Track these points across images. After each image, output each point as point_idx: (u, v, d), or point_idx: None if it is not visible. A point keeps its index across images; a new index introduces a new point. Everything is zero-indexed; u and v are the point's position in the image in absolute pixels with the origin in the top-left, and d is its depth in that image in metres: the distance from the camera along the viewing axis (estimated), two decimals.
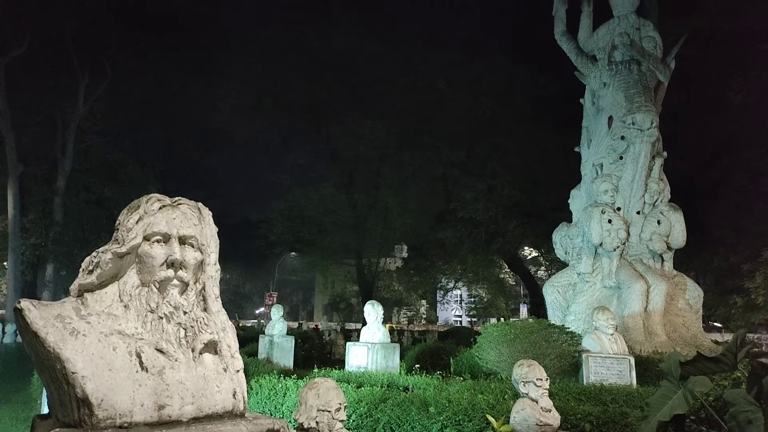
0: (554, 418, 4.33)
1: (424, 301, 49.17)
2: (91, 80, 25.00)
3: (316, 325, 32.71)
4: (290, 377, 7.33)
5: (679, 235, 12.72)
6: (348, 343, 10.84)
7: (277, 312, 13.39)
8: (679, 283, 12.49)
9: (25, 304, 1.59)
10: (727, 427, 3.49)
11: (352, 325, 35.36)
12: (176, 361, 1.67)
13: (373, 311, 10.16)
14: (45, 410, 7.63)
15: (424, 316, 50.68)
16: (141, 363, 1.61)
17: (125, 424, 1.52)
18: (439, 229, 26.07)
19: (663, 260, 12.93)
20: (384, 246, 30.09)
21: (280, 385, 6.64)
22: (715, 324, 28.12)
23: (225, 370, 1.77)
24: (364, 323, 10.52)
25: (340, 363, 11.08)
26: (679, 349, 10.18)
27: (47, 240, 25.34)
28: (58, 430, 1.50)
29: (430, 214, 26.74)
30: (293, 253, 38.32)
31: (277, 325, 12.99)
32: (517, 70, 22.14)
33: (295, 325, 31.14)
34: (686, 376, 3.90)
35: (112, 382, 1.54)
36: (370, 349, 9.56)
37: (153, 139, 27.63)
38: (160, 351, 1.66)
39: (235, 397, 1.76)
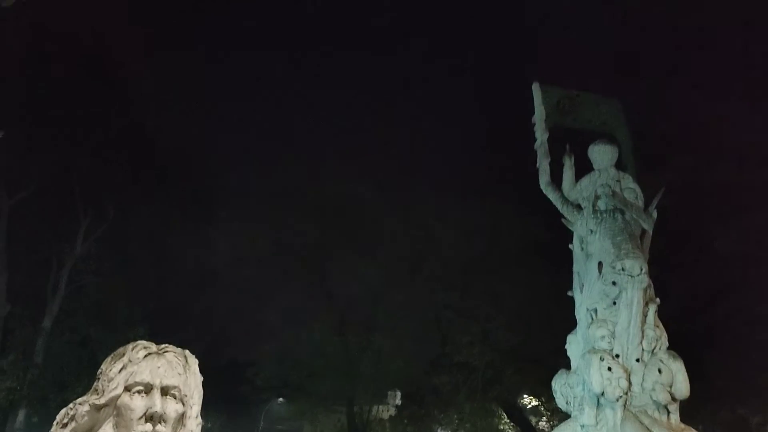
0: None
1: None
2: (92, 221, 25.63)
3: None
4: None
5: (681, 386, 12.26)
6: None
7: None
8: None
9: None
10: None
11: None
12: None
13: None
14: None
15: None
16: None
17: None
18: (433, 374, 25.20)
19: (669, 412, 12.34)
20: (377, 392, 28.83)
21: None
22: None
23: None
24: None
25: None
26: None
27: (23, 383, 24.14)
28: None
29: (424, 358, 26.02)
30: (280, 399, 36.47)
31: None
32: (507, 211, 22.96)
33: None
34: None
35: None
36: None
37: (146, 279, 27.65)
38: None
39: None
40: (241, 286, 26.63)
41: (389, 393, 35.01)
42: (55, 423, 1.66)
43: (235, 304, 26.24)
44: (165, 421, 1.70)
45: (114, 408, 1.68)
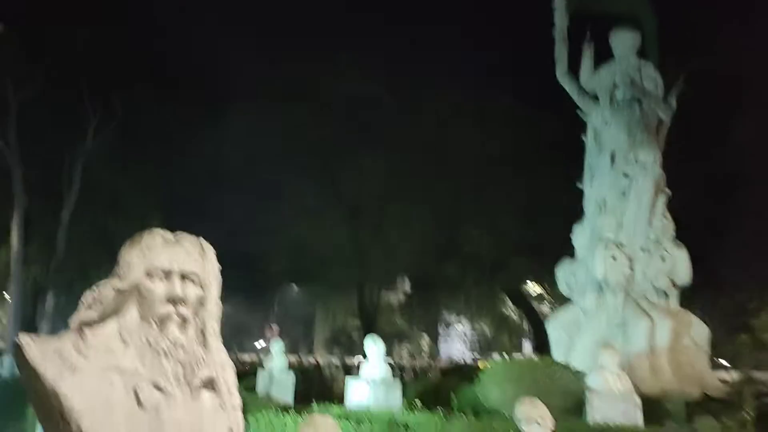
0: None
1: (426, 335, 48.60)
2: (101, 116, 25.42)
3: (317, 360, 32.30)
4: (289, 413, 7.22)
5: (683, 273, 12.67)
6: (348, 378, 10.70)
7: (276, 346, 13.26)
8: (684, 320, 12.36)
9: (24, 339, 1.59)
10: None
11: (352, 360, 34.89)
12: (173, 398, 1.65)
13: (374, 346, 10.06)
14: None
15: (426, 351, 50.01)
16: (138, 400, 1.60)
17: None
18: (442, 262, 25.97)
19: (668, 297, 12.84)
20: (386, 279, 29.94)
21: (278, 421, 6.54)
22: (721, 362, 27.66)
23: (222, 408, 1.75)
24: (365, 357, 10.41)
25: (341, 398, 10.90)
26: (685, 387, 10.01)
27: (48, 271, 25.36)
28: None
29: (433, 248, 26.66)
30: (294, 285, 38.07)
31: (276, 360, 12.84)
32: (521, 106, 22.46)
33: (294, 359, 30.76)
34: (692, 417, 3.83)
35: (109, 419, 1.53)
36: (371, 385, 9.42)
37: (158, 173, 27.88)
38: (158, 388, 1.64)
39: None
40: (252, 183, 26.81)
41: (398, 279, 36.40)
42: (81, 304, 1.73)
43: (247, 201, 26.58)
44: (185, 303, 1.77)
45: (136, 291, 1.75)
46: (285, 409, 8.03)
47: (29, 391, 1.65)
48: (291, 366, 14.57)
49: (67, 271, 25.67)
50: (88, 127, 25.20)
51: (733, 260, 21.91)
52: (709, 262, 20.15)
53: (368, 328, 26.81)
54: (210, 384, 1.75)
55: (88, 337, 1.67)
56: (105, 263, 25.98)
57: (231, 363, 1.88)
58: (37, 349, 1.57)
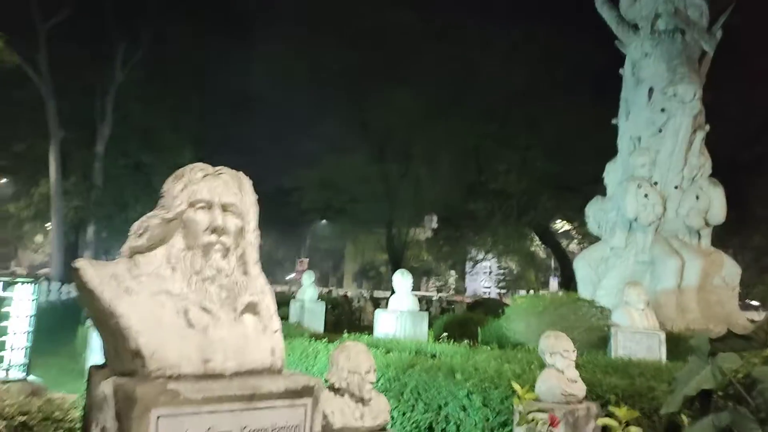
0: (579, 389, 4.40)
1: (453, 272, 49.31)
2: (128, 46, 25.38)
3: (346, 293, 33.25)
4: (321, 341, 7.57)
5: (718, 211, 12.42)
6: (377, 310, 11.06)
7: (308, 278, 13.69)
8: (715, 260, 12.24)
9: (82, 263, 1.72)
10: (754, 404, 3.49)
11: (380, 293, 35.79)
12: (219, 320, 1.78)
13: (402, 280, 10.30)
14: (91, 362, 8.08)
15: (453, 287, 50.90)
16: (187, 320, 1.73)
17: (174, 375, 1.66)
18: (470, 200, 25.95)
19: (700, 236, 12.67)
20: (414, 216, 30.15)
21: (311, 348, 6.87)
22: (752, 302, 27.49)
23: (264, 330, 1.88)
24: (393, 292, 10.70)
25: (369, 329, 11.32)
26: (712, 326, 10.05)
27: (88, 203, 26.22)
28: (114, 378, 1.64)
29: (461, 185, 26.58)
30: (324, 221, 38.74)
31: (308, 291, 13.29)
32: (554, 39, 21.55)
33: (324, 291, 31.78)
34: (715, 353, 3.89)
35: (162, 337, 1.66)
36: (399, 316, 9.73)
37: (188, 105, 28.03)
38: (205, 310, 1.77)
39: (273, 355, 1.88)
40: (280, 112, 26.72)
41: (426, 217, 36.63)
42: (131, 233, 1.84)
43: (276, 131, 26.58)
44: (227, 233, 1.87)
45: (181, 221, 1.85)
46: (316, 336, 8.40)
47: (89, 312, 1.80)
48: (321, 297, 15.11)
49: (106, 203, 26.54)
50: (116, 57, 25.26)
51: None
52: (746, 201, 19.69)
53: (396, 263, 27.30)
54: (252, 308, 1.88)
55: (140, 263, 1.80)
56: (142, 196, 26.77)
57: (270, 289, 2.00)
58: (95, 272, 1.70)
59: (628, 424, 2.80)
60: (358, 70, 25.20)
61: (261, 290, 1.92)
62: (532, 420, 3.03)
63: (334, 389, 3.32)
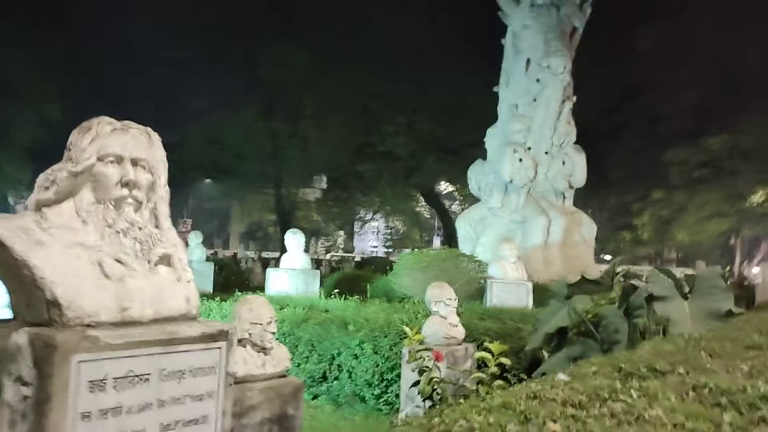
0: (460, 332, 4.90)
1: (341, 232, 49.93)
2: None
3: (234, 253, 32.58)
4: (211, 300, 7.54)
5: (580, 175, 13.85)
6: (268, 269, 11.11)
7: (195, 238, 13.32)
8: (576, 218, 13.71)
9: None
10: (600, 337, 4.16)
11: (269, 254, 35.43)
12: (134, 270, 1.84)
13: (294, 239, 10.42)
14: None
15: (342, 247, 51.64)
16: (103, 271, 1.78)
17: (93, 323, 1.71)
18: (358, 161, 26.30)
19: (564, 197, 14.09)
20: (303, 176, 29.94)
21: (203, 308, 6.85)
22: (605, 257, 30.90)
23: (178, 280, 1.97)
24: (282, 252, 10.78)
25: (259, 290, 11.36)
26: (571, 277, 11.33)
27: None
28: (27, 328, 1.66)
29: (350, 146, 26.77)
30: (209, 180, 37.22)
31: (195, 252, 12.96)
32: (444, 6, 22.10)
33: (210, 253, 30.88)
34: (571, 296, 4.54)
35: (79, 287, 1.70)
36: (291, 274, 9.88)
37: (53, 47, 25.13)
38: (119, 261, 1.82)
39: (188, 303, 1.98)
40: (161, 61, 24.78)
41: (315, 177, 36.52)
42: (36, 186, 1.82)
43: (156, 82, 24.70)
44: (139, 188, 1.91)
45: (90, 175, 1.86)
46: (206, 297, 8.32)
47: None
48: (208, 258, 14.78)
49: None
50: None
51: (623, 164, 23.94)
52: (604, 166, 21.94)
53: (285, 224, 27.11)
54: (166, 260, 1.95)
55: (48, 216, 1.79)
56: (1, 151, 23.88)
57: (182, 242, 2.08)
58: (2, 225, 1.68)
59: (499, 356, 3.24)
60: (249, 23, 24.11)
61: (173, 243, 2.00)
62: (420, 357, 3.39)
63: (237, 341, 3.45)
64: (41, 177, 1.83)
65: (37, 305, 1.70)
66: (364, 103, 25.15)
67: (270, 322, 3.47)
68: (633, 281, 4.91)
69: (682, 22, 21.48)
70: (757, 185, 23.17)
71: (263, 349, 3.46)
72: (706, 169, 22.66)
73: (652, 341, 2.74)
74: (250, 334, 3.41)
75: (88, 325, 1.71)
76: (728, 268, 21.37)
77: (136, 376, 1.74)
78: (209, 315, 6.55)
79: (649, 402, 1.38)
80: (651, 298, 4.18)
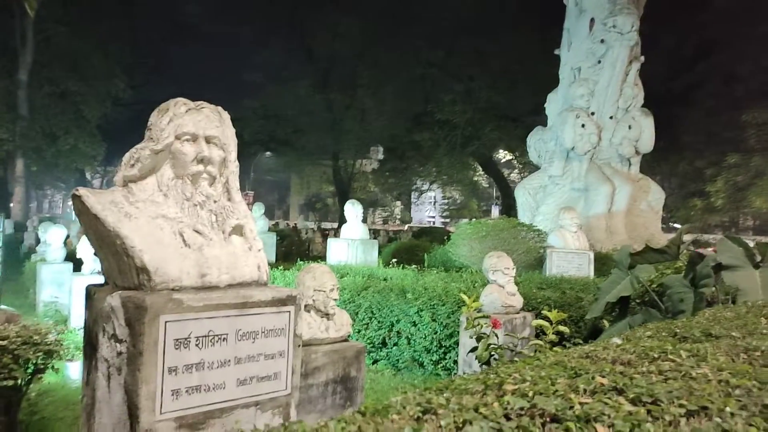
0: (518, 301, 4.92)
1: (399, 202, 50.17)
2: None
3: (294, 224, 33.44)
4: (275, 268, 7.86)
5: (647, 140, 13.22)
6: (329, 239, 11.39)
7: (258, 210, 13.79)
8: (643, 186, 13.16)
9: (83, 191, 1.88)
10: (663, 306, 4.08)
11: (328, 225, 36.17)
12: (211, 240, 2.01)
13: (353, 210, 10.61)
14: (41, 296, 8.08)
15: (399, 217, 51.94)
16: (184, 240, 1.94)
17: (177, 287, 1.89)
18: (415, 131, 26.16)
19: (630, 164, 13.52)
20: (360, 147, 30.16)
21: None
22: (675, 225, 29.58)
23: (250, 249, 2.12)
24: (341, 223, 11.01)
25: (319, 259, 11.69)
26: (636, 246, 10.98)
27: (14, 135, 24.73)
28: (120, 291, 1.86)
29: (407, 116, 26.65)
30: (268, 153, 38.14)
31: (258, 223, 13.43)
32: None
33: (271, 224, 31.87)
34: (634, 265, 4.45)
35: (164, 255, 1.88)
36: (351, 244, 10.10)
37: (116, 30, 26.22)
38: (198, 232, 1.99)
39: (259, 270, 2.14)
40: (218, 40, 25.46)
41: (372, 148, 36.67)
42: (123, 164, 1.99)
43: (214, 59, 25.41)
44: (212, 163, 2.06)
45: (169, 152, 2.02)
46: (270, 266, 8.68)
47: (90, 236, 1.98)
48: (270, 229, 15.29)
49: (34, 135, 25.09)
50: None
51: (696, 128, 22.64)
52: (674, 130, 20.87)
53: (343, 195, 27.53)
54: (238, 230, 2.10)
55: (134, 191, 1.97)
56: (72, 127, 25.34)
57: (252, 214, 2.23)
58: (96, 199, 1.87)
59: (557, 324, 3.26)
60: None
61: (245, 215, 2.14)
62: (478, 324, 3.46)
63: (303, 306, 3.63)
64: (127, 155, 2.01)
65: (127, 271, 1.88)
66: (420, 72, 24.88)
67: (332, 289, 3.62)
68: (702, 250, 4.75)
69: None
70: None
71: (326, 315, 3.62)
72: None
73: (714, 309, 2.69)
74: (314, 300, 3.57)
75: (173, 289, 1.89)
76: None
77: (216, 335, 1.91)
78: (273, 283, 6.85)
79: (697, 362, 1.40)
80: (719, 267, 4.05)
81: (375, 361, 6.05)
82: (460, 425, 0.94)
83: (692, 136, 23.03)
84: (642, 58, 13.43)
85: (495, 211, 40.74)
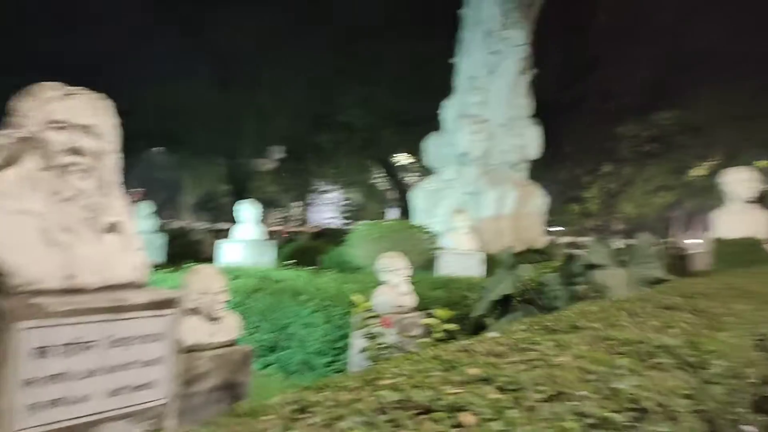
0: (410, 301, 5.05)
1: (297, 203, 49.57)
2: None
3: (185, 224, 31.94)
4: (162, 270, 7.46)
5: (534, 148, 14.17)
6: (221, 240, 11.01)
7: (146, 208, 13.02)
8: (529, 191, 14.06)
9: None
10: (541, 303, 4.38)
11: (222, 225, 34.89)
12: (81, 238, 1.85)
13: (248, 210, 10.35)
14: None
15: (298, 218, 51.31)
16: (50, 239, 1.78)
17: (38, 291, 1.72)
18: (315, 132, 26.03)
19: (519, 170, 14.41)
20: (259, 146, 29.44)
21: (155, 277, 6.77)
22: (556, 228, 31.67)
23: (126, 249, 1.99)
24: (237, 222, 10.69)
25: (211, 261, 11.25)
26: (521, 247, 11.69)
27: None
28: None
29: (307, 117, 26.42)
30: (160, 149, 36.09)
31: (147, 222, 12.68)
32: None
33: (162, 223, 30.19)
34: (517, 265, 4.74)
35: (26, 255, 1.71)
36: (245, 245, 9.83)
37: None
38: (66, 229, 1.83)
39: (136, 271, 2.01)
40: (109, 25, 23.65)
41: (270, 148, 35.92)
42: None
43: (106, 47, 23.59)
44: (85, 155, 1.89)
45: (36, 141, 1.83)
46: (158, 267, 8.21)
47: None
48: (160, 229, 14.45)
49: None
50: None
51: (577, 138, 24.56)
52: (558, 140, 22.45)
53: (239, 195, 26.65)
54: (114, 228, 1.96)
55: None
56: None
57: (131, 210, 2.09)
58: None
59: (445, 322, 3.39)
60: None
61: (121, 211, 2.00)
62: (369, 324, 3.50)
63: (187, 309, 3.47)
64: None
65: None
66: (322, 74, 24.79)
67: (220, 292, 3.50)
68: (575, 251, 5.16)
69: None
70: (700, 160, 24.24)
71: (213, 318, 3.49)
72: (655, 144, 23.48)
73: (582, 304, 2.93)
74: (200, 303, 3.43)
75: (34, 293, 1.72)
76: (668, 240, 22.49)
77: (84, 342, 1.77)
78: (161, 285, 6.50)
79: (560, 351, 1.52)
80: (590, 267, 4.42)
81: (266, 366, 5.93)
82: (333, 421, 0.94)
83: (573, 146, 24.92)
84: (532, 71, 14.35)
85: (393, 214, 41.43)
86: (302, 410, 1.02)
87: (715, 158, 23.64)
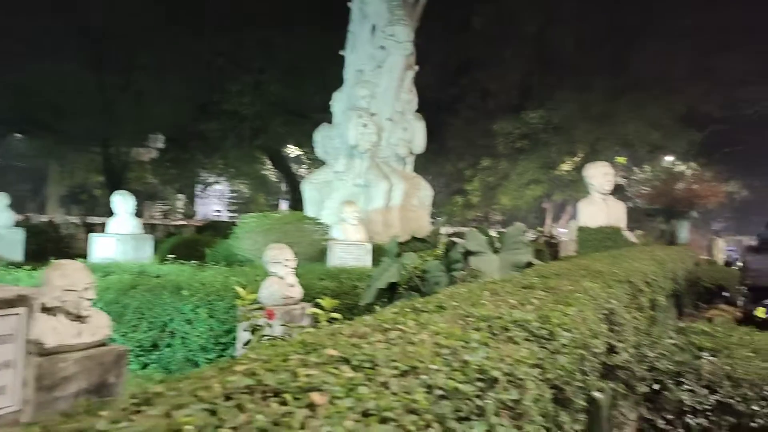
0: (297, 292, 5.01)
1: (181, 196, 47.12)
2: None
3: (51, 218, 29.14)
4: (21, 269, 6.77)
5: (420, 142, 14.61)
6: (91, 235, 10.21)
7: (1, 201, 11.69)
8: (415, 183, 14.49)
9: None
10: (424, 290, 4.54)
11: (95, 219, 32.34)
12: None
13: (123, 202, 9.68)
14: None
15: (182, 211, 48.79)
16: None
17: None
18: (201, 120, 24.85)
19: (405, 163, 14.79)
20: (137, 134, 27.49)
21: (10, 277, 6.13)
22: (440, 219, 33.05)
23: None
24: (111, 216, 9.97)
25: (81, 257, 10.40)
26: (407, 238, 12.03)
27: None
28: None
29: (192, 104, 25.12)
30: (20, 135, 32.59)
31: (1, 216, 11.40)
32: None
33: (22, 218, 27.23)
34: (401, 254, 4.87)
35: None
36: (119, 240, 9.19)
37: None
38: None
39: None
40: None
41: (151, 136, 33.73)
42: None
43: None
44: None
45: None
46: (15, 266, 7.43)
47: None
48: (18, 224, 13.07)
49: None
50: None
51: (459, 134, 25.76)
52: (442, 135, 23.37)
53: (115, 186, 24.75)
54: None
55: None
56: None
57: None
58: None
59: (331, 311, 3.40)
60: None
61: None
62: (253, 316, 3.42)
63: (47, 310, 3.17)
64: None
65: None
66: (207, 59, 23.69)
67: (86, 288, 3.23)
68: (456, 239, 5.40)
69: (506, 4, 23.37)
70: (566, 155, 26.41)
71: (79, 317, 3.22)
72: (525, 141, 25.26)
73: (453, 287, 3.08)
74: (63, 301, 3.15)
75: None
76: (540, 228, 24.30)
77: None
78: (17, 285, 5.87)
79: (420, 329, 1.59)
80: (468, 254, 4.66)
81: (145, 366, 5.61)
82: (173, 410, 0.91)
83: (456, 141, 26.06)
84: (416, 67, 14.75)
85: (283, 206, 40.82)
86: (145, 403, 0.97)
87: (579, 154, 25.88)
